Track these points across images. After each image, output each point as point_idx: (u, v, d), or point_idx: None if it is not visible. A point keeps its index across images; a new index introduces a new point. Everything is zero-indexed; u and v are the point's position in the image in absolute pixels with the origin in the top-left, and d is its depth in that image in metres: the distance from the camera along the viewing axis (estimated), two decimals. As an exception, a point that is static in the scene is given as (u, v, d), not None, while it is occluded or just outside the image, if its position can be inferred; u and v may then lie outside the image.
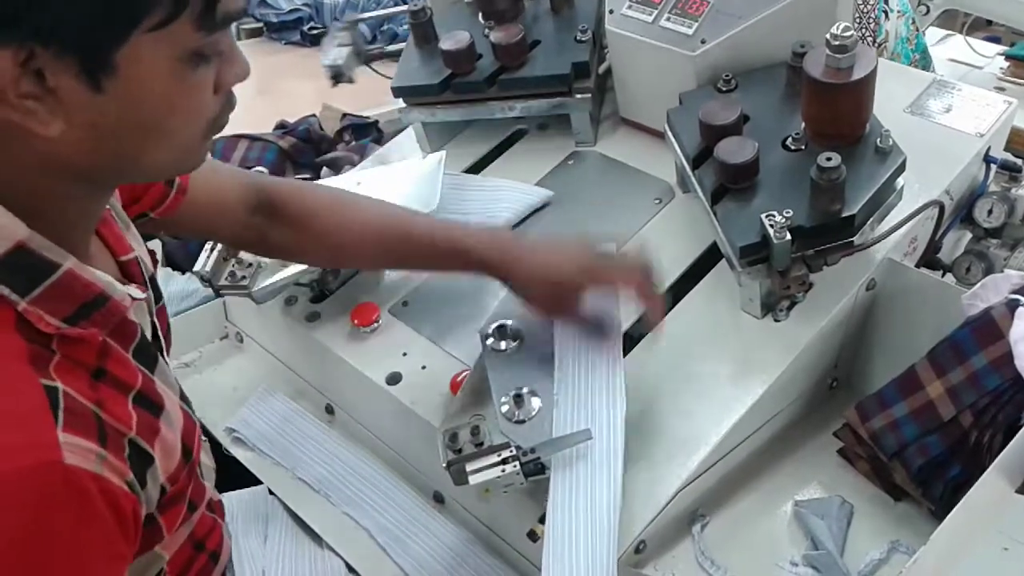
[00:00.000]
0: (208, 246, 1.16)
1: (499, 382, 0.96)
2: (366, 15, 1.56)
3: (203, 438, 0.90)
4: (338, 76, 1.52)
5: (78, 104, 0.57)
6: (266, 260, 1.17)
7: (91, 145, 0.60)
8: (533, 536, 0.93)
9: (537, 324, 1.01)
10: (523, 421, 0.93)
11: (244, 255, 1.18)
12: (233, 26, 0.65)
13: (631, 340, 1.07)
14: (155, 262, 0.84)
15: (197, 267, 1.15)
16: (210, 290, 1.21)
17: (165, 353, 0.79)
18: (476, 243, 0.98)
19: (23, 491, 0.56)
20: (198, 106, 0.64)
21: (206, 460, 0.87)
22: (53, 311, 0.62)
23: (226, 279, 1.16)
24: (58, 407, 0.59)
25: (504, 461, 0.90)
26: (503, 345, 1.01)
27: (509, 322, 1.01)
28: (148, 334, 0.75)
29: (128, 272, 0.75)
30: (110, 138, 0.60)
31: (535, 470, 0.91)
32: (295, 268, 1.16)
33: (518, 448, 0.90)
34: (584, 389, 0.96)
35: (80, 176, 0.63)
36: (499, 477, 0.90)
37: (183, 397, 0.78)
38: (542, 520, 0.92)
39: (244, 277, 1.16)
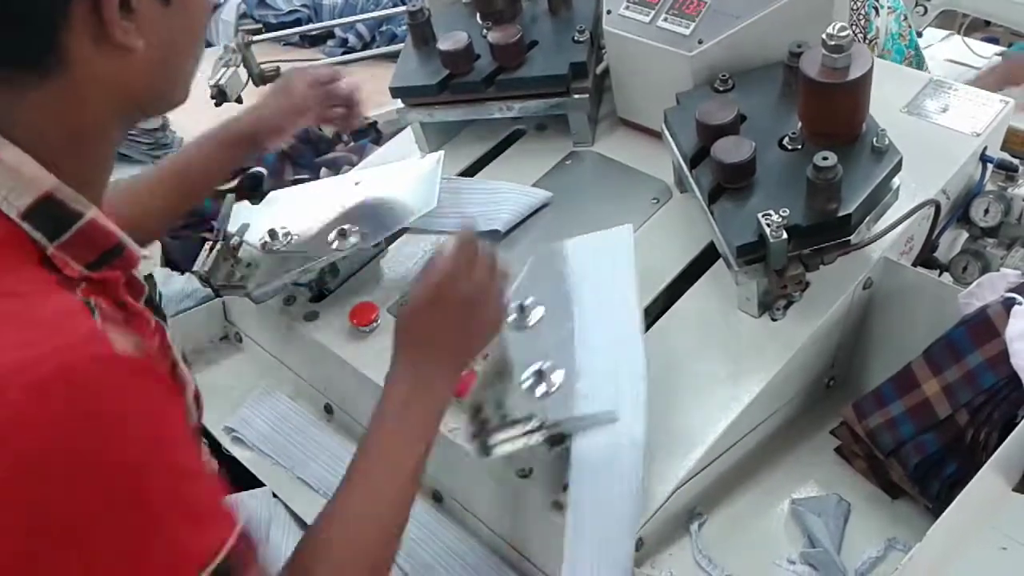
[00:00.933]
0: (207, 246, 1.17)
1: (520, 359, 0.98)
2: (259, 38, 1.55)
3: (203, 440, 0.91)
4: (221, 96, 1.52)
5: (153, 20, 0.65)
6: (265, 260, 1.17)
7: (157, 63, 0.67)
8: (558, 506, 0.94)
9: (558, 299, 1.02)
10: (546, 395, 0.94)
11: (242, 255, 1.18)
12: None
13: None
14: None
15: (196, 267, 1.16)
16: (209, 290, 1.21)
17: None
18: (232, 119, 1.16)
19: (88, 379, 0.58)
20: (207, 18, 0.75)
21: (204, 456, 0.87)
22: (77, 257, 0.66)
23: (225, 279, 1.16)
24: (94, 310, 0.63)
25: (528, 433, 0.91)
26: (524, 322, 1.02)
27: (529, 300, 1.03)
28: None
29: None
30: (171, 51, 0.69)
31: (558, 441, 0.92)
32: (294, 268, 1.16)
33: (542, 421, 0.92)
34: (606, 358, 0.97)
35: (129, 103, 0.68)
36: (523, 448, 0.91)
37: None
38: (567, 489, 0.93)
39: (243, 277, 1.16)
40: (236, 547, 0.65)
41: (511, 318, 1.01)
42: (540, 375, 0.95)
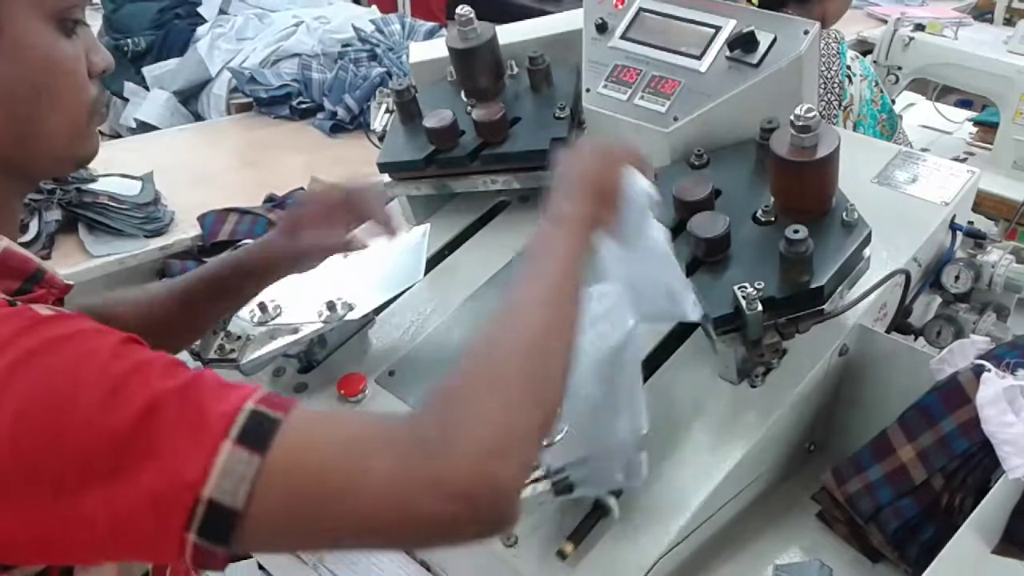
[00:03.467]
0: None
1: None
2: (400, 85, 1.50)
3: None
4: None
5: None
6: (254, 332, 1.19)
7: None
8: (562, 555, 0.96)
9: None
10: (551, 444, 0.96)
11: (232, 328, 1.20)
12: (85, 19, 0.75)
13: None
14: None
15: None
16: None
17: None
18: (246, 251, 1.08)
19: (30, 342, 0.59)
20: (76, 75, 0.72)
21: None
22: (1, 287, 0.67)
23: (215, 352, 1.18)
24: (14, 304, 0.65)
25: (535, 480, 0.94)
26: None
27: None
28: None
29: None
30: (8, 100, 0.68)
31: (565, 488, 0.94)
32: (283, 340, 1.18)
33: (547, 469, 0.94)
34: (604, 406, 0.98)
35: None
36: (531, 495, 0.93)
37: None
38: (570, 538, 0.95)
39: (233, 350, 1.18)
40: (262, 399, 0.62)
41: None
42: None
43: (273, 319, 1.19)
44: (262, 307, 1.19)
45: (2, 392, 0.57)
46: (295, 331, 1.18)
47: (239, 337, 1.19)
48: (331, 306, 1.17)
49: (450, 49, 1.37)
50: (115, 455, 0.58)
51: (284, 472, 0.59)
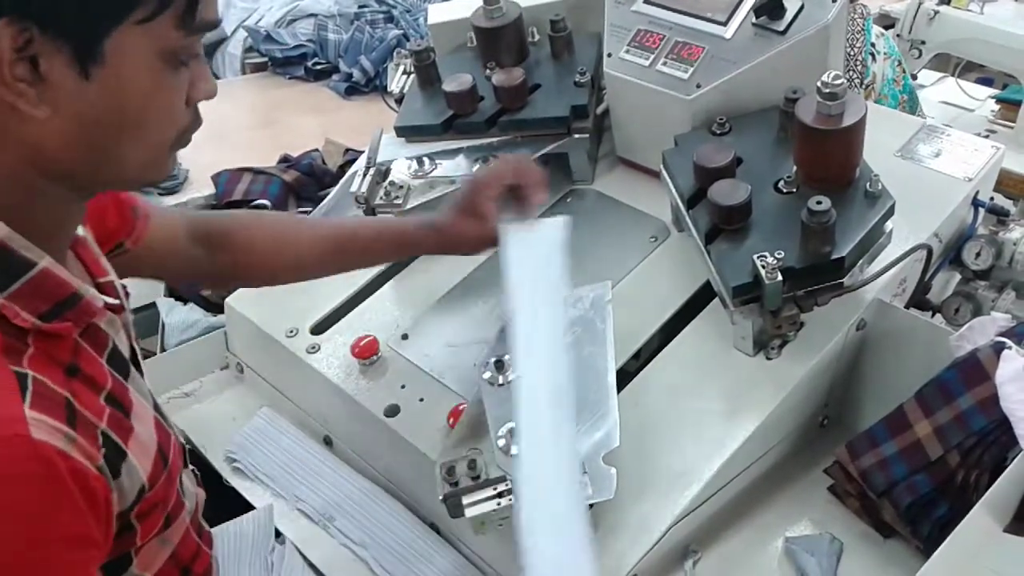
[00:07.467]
0: (361, 170, 1.27)
1: (496, 415, 0.98)
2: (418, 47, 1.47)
3: (194, 469, 0.92)
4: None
5: (67, 91, 0.62)
6: (415, 183, 1.27)
7: (74, 135, 0.64)
8: None
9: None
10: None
11: (395, 178, 1.28)
12: (202, 50, 0.71)
13: (626, 375, 1.09)
14: (126, 295, 0.84)
15: (353, 188, 1.25)
16: (212, 319, 1.23)
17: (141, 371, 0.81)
18: (411, 223, 1.10)
19: None
20: (172, 109, 0.69)
21: (188, 484, 0.88)
22: (29, 307, 0.65)
23: (381, 198, 1.26)
24: (26, 390, 0.62)
25: (500, 495, 0.91)
26: (500, 379, 1.02)
27: (507, 356, 1.03)
28: (125, 351, 0.77)
29: (105, 292, 0.77)
30: (92, 127, 0.64)
31: None
32: (441, 190, 1.27)
33: (512, 482, 0.92)
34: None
35: (60, 173, 0.66)
36: (495, 510, 0.91)
37: (158, 409, 0.80)
38: None
39: (397, 197, 1.26)
40: None
41: (487, 375, 1.01)
42: (514, 433, 0.94)
43: (430, 173, 1.28)
44: (420, 162, 1.29)
45: None
46: (452, 183, 1.26)
47: (402, 186, 1.27)
48: (486, 160, 1.25)
49: (475, 28, 1.35)
50: None
51: None
